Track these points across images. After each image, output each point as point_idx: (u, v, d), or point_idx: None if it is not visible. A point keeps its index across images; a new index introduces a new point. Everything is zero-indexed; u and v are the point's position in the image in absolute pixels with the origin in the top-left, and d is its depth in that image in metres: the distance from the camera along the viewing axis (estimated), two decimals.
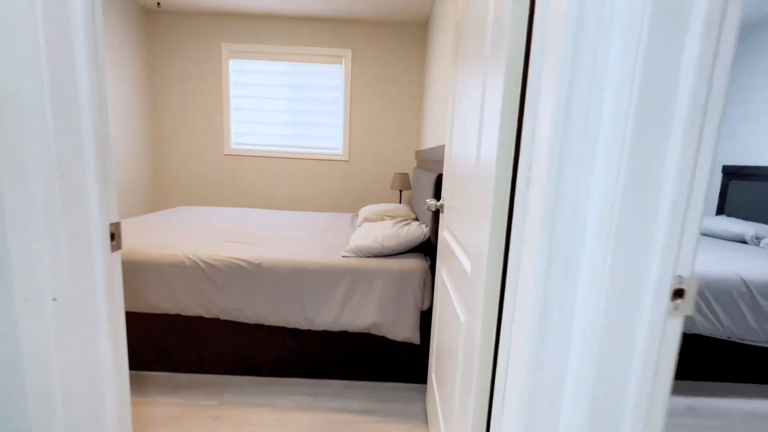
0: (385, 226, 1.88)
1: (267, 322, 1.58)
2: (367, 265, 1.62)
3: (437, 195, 1.62)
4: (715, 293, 1.58)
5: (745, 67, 2.72)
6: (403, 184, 3.34)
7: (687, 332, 1.58)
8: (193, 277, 1.58)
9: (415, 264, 1.62)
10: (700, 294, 1.57)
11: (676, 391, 1.53)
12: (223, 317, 1.59)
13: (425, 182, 1.91)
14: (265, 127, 3.71)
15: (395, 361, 1.66)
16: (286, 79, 3.60)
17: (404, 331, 1.56)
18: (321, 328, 1.58)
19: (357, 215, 2.92)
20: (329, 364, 1.66)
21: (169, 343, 1.64)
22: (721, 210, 2.93)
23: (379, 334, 1.58)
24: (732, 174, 2.80)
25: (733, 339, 1.59)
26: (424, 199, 1.94)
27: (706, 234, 2.48)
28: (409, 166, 3.80)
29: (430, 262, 1.70)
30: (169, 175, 3.79)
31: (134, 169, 3.42)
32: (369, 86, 3.62)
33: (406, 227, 1.81)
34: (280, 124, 3.69)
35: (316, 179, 3.82)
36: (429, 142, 3.06)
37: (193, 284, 1.57)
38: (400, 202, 3.56)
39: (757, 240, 2.29)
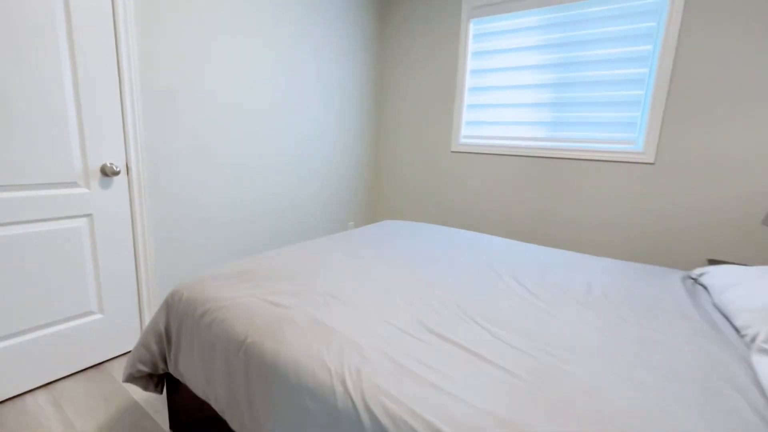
0: None
1: None
2: None
3: None
4: None
5: None
6: None
7: None
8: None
9: None
10: None
11: None
12: None
13: None
14: (513, 113, 2.50)
15: None
16: (548, 36, 2.31)
17: None
18: None
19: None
20: None
21: None
22: None
23: None
24: None
25: None
26: None
27: None
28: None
29: None
30: (384, 176, 3.17)
31: (353, 168, 2.95)
32: (716, 32, 1.87)
33: None
34: (533, 107, 2.42)
35: (591, 191, 2.29)
36: None
37: None
38: None
39: None
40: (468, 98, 2.68)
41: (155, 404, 1.48)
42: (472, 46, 2.60)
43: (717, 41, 1.90)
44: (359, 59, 2.82)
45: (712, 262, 1.87)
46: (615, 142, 2.23)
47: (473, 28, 2.58)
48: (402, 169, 3.07)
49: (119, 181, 1.66)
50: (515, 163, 2.53)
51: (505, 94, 2.53)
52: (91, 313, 1.65)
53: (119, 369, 1.67)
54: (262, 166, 2.28)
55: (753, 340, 1.00)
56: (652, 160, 2.12)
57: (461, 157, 2.75)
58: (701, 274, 1.49)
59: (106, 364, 1.71)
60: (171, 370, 1.23)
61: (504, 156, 2.57)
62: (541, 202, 2.48)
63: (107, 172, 1.58)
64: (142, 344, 1.25)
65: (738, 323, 1.11)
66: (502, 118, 2.57)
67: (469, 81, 2.65)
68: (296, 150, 2.48)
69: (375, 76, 3.00)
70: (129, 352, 1.67)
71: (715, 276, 1.39)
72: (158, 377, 1.33)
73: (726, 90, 1.92)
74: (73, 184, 1.53)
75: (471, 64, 2.63)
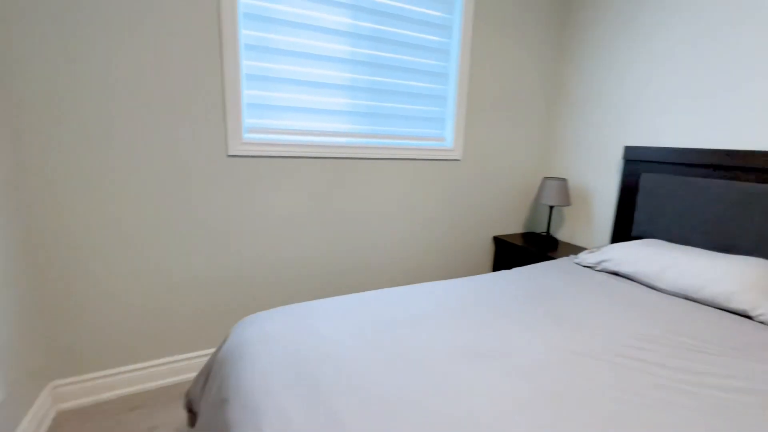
0: None
1: None
2: None
3: None
4: None
5: None
6: (562, 197, 2.27)
7: None
8: None
9: None
10: None
11: None
12: None
13: None
14: (307, 102, 1.83)
15: None
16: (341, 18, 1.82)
17: None
18: None
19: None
20: None
21: None
22: None
23: None
24: (637, 161, 2.28)
25: None
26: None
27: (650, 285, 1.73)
28: (541, 170, 2.64)
29: None
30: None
31: None
32: (498, 47, 2.26)
33: None
34: (324, 99, 1.86)
35: (407, 193, 2.18)
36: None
37: None
38: (549, 223, 2.45)
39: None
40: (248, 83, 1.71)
41: None
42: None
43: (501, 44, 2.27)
44: None
45: (496, 238, 2.52)
46: (425, 138, 2.19)
47: None
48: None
49: None
50: (316, 167, 1.90)
51: (298, 72, 1.79)
52: None
53: None
54: None
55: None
56: (459, 158, 2.29)
57: (244, 163, 1.75)
58: (602, 261, 1.77)
59: None
60: None
61: (303, 159, 1.86)
62: (343, 202, 2.02)
63: None
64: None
65: (740, 306, 1.35)
66: (300, 111, 1.83)
67: (245, 56, 1.68)
68: None
69: None
70: None
71: (623, 263, 1.68)
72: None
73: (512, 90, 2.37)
74: None
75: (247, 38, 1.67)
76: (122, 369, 1.68)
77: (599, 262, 1.76)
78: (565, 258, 1.96)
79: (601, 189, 2.31)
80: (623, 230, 2.13)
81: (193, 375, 1.82)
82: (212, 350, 1.85)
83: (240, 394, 0.88)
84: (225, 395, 0.93)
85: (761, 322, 1.29)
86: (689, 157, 1.81)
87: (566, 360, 1.02)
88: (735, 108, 1.71)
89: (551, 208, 2.41)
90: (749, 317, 1.32)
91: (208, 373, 1.17)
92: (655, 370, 0.99)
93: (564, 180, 2.29)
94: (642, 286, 1.59)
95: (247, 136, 1.74)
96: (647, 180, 1.95)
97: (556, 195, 2.27)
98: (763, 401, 0.88)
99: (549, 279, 1.63)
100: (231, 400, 0.89)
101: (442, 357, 1.00)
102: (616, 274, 1.72)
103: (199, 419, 1.03)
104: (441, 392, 0.86)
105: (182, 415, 1.57)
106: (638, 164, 2.05)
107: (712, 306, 1.41)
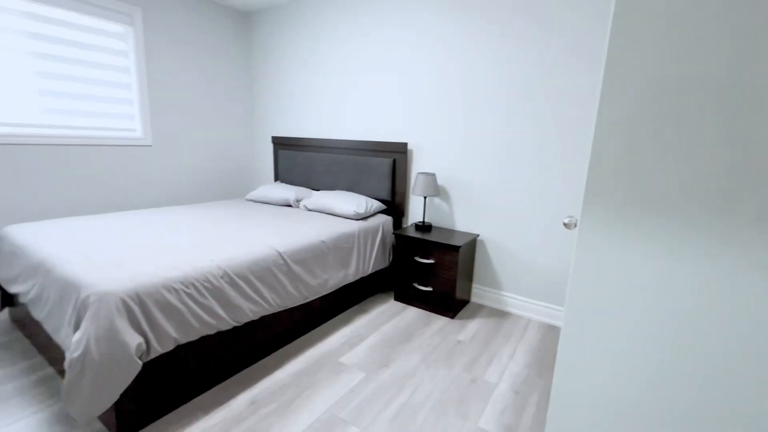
0: (348, 196, 2.96)
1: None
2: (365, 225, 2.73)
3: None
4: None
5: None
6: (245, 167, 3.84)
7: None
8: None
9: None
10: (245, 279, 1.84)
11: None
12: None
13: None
14: None
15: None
16: (25, 22, 2.54)
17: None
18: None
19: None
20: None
21: None
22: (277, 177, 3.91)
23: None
24: (279, 144, 3.85)
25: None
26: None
27: (264, 201, 3.28)
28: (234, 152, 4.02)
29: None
30: None
31: None
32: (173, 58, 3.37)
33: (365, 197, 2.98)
34: (19, 93, 2.55)
35: (102, 174, 3.03)
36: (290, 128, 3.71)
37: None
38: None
39: (298, 202, 3.17)
40: None
41: None
42: None
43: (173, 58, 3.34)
44: None
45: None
46: (118, 129, 3.11)
47: None
48: None
49: None
50: (17, 153, 2.58)
51: None
52: None
53: None
54: None
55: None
56: (150, 143, 3.30)
57: None
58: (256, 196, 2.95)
59: None
60: None
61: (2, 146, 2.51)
62: (55, 188, 2.85)
63: None
64: None
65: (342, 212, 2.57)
66: None
67: None
68: None
69: None
70: None
71: (264, 195, 2.83)
72: None
73: (186, 92, 3.41)
74: None
75: None
76: None
77: (256, 197, 3.39)
78: (240, 198, 3.52)
79: (264, 161, 4.03)
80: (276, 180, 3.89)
81: None
82: None
83: (47, 257, 1.85)
84: (34, 261, 1.85)
85: (306, 209, 3.19)
86: (305, 141, 3.67)
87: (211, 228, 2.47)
88: (327, 116, 3.66)
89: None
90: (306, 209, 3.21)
91: None
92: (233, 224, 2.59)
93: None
94: (274, 205, 3.30)
95: None
96: (282, 155, 3.74)
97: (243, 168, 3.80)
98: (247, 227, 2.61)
99: (231, 207, 3.10)
100: (41, 261, 1.84)
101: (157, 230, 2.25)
102: (266, 203, 3.38)
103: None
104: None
105: None
106: (279, 146, 3.84)
107: (320, 212, 3.24)
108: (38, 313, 1.67)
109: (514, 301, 2.76)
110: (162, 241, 2.01)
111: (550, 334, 2.47)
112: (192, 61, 3.52)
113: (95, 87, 2.93)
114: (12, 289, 1.89)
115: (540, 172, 2.52)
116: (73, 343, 1.34)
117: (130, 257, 1.73)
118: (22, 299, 1.80)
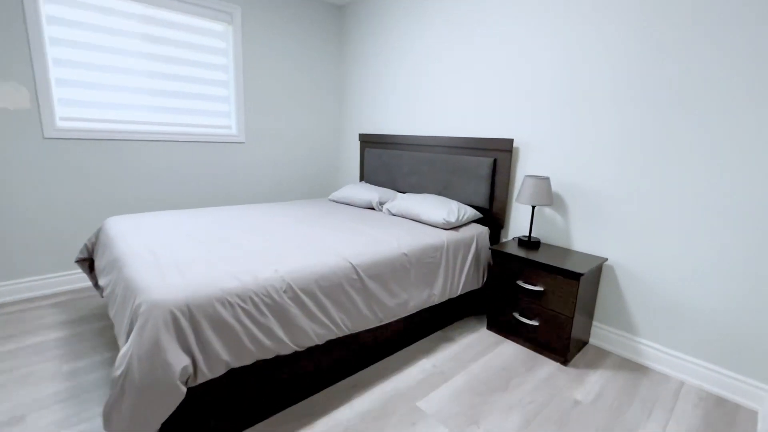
0: (437, 201, 2.53)
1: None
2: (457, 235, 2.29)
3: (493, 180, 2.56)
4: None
5: None
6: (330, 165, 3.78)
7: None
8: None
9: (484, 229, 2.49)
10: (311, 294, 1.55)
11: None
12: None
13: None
14: (108, 94, 2.63)
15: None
16: (140, 26, 2.69)
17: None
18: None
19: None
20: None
21: None
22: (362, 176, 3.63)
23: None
24: (366, 142, 3.58)
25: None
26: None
27: (346, 203, 3.06)
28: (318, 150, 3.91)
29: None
30: None
31: None
32: (268, 56, 3.37)
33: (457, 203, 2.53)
34: (132, 92, 2.72)
35: (197, 169, 3.14)
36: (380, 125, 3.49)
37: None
38: None
39: (381, 205, 2.84)
40: (57, 71, 2.41)
41: None
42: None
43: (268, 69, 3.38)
44: None
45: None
46: (215, 126, 3.19)
47: None
48: None
49: None
50: (126, 149, 2.76)
51: (100, 73, 2.59)
52: None
53: None
54: None
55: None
56: (243, 140, 3.33)
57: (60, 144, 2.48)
58: (340, 197, 2.81)
59: None
60: None
61: (114, 141, 2.70)
62: (154, 179, 2.96)
63: None
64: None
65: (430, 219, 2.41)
66: (104, 100, 2.63)
67: (51, 50, 2.38)
68: None
69: None
70: None
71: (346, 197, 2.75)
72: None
73: (278, 90, 3.43)
74: None
75: (50, 31, 2.36)
76: None
77: (338, 198, 3.19)
78: (323, 198, 3.36)
79: (350, 159, 3.83)
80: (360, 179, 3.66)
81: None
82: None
83: (123, 254, 1.85)
84: (114, 256, 1.87)
85: (389, 213, 2.87)
86: (393, 139, 3.37)
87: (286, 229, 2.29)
88: (418, 112, 3.33)
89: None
90: (428, 223, 2.89)
91: (93, 244, 2.10)
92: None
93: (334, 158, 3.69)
94: (356, 207, 3.06)
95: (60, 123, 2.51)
96: (369, 153, 3.48)
97: (327, 166, 3.66)
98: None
99: (312, 208, 2.95)
100: (118, 257, 1.85)
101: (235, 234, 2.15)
102: (348, 204, 3.16)
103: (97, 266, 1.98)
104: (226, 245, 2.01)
105: None
106: (366, 144, 3.59)
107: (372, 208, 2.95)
108: (111, 311, 1.63)
109: (655, 354, 2.03)
110: (229, 242, 1.85)
111: (719, 411, 1.72)
112: (285, 58, 3.48)
113: (196, 85, 3.02)
114: (100, 280, 1.92)
115: (712, 175, 1.78)
116: (118, 357, 1.20)
117: (194, 260, 1.58)
118: (105, 293, 1.80)
